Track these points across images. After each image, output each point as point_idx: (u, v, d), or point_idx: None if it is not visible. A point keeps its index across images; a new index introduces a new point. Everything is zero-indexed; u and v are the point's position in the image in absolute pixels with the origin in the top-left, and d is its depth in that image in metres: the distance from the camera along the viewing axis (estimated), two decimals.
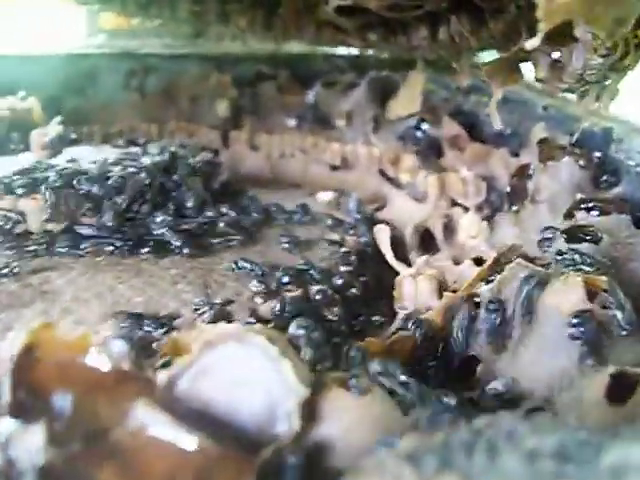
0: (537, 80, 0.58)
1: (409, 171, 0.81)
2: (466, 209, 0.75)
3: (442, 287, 0.55)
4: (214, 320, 0.49)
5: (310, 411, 0.34)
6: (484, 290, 0.48)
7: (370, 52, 1.01)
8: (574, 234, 0.55)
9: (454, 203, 0.77)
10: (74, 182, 0.60)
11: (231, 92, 0.94)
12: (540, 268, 0.49)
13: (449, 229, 0.75)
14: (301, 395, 0.33)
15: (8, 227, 0.60)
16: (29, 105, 0.84)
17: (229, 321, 0.50)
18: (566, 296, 0.45)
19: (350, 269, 0.60)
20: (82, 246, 0.59)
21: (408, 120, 0.87)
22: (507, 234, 0.70)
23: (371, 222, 0.74)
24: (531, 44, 0.49)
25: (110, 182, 0.61)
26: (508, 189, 0.73)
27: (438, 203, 0.76)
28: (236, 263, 0.58)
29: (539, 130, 0.73)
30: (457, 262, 0.68)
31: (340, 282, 0.57)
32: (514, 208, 0.71)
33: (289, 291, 0.54)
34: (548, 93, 0.81)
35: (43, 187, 0.60)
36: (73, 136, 0.75)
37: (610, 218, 0.58)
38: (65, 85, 0.94)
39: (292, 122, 0.92)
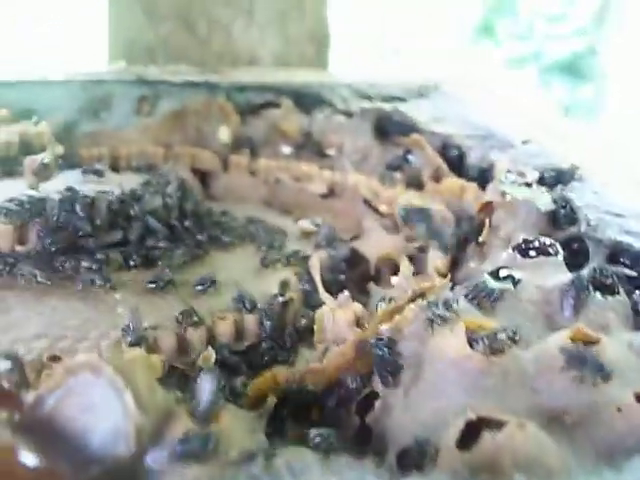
0: None
1: (388, 202, 0.83)
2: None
3: (359, 322, 0.58)
4: (132, 344, 0.53)
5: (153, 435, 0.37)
6: (383, 328, 0.50)
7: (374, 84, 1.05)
8: (495, 275, 0.56)
9: None
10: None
11: (234, 119, 0.98)
12: (443, 312, 0.50)
13: (417, 262, 0.77)
14: (138, 421, 0.37)
15: None
16: (40, 129, 0.91)
17: (148, 347, 0.53)
18: (449, 340, 0.47)
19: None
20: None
21: (397, 150, 0.89)
22: (470, 269, 0.72)
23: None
24: None
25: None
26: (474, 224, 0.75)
27: (408, 235, 0.79)
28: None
29: (502, 164, 0.75)
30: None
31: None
32: (478, 241, 0.72)
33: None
34: None
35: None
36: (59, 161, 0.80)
37: (540, 260, 0.59)
38: (80, 109, 1.00)
39: (287, 149, 0.95)
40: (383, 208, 0.83)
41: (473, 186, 0.79)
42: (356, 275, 0.77)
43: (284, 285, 0.64)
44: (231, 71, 1.07)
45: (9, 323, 0.58)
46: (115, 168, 0.95)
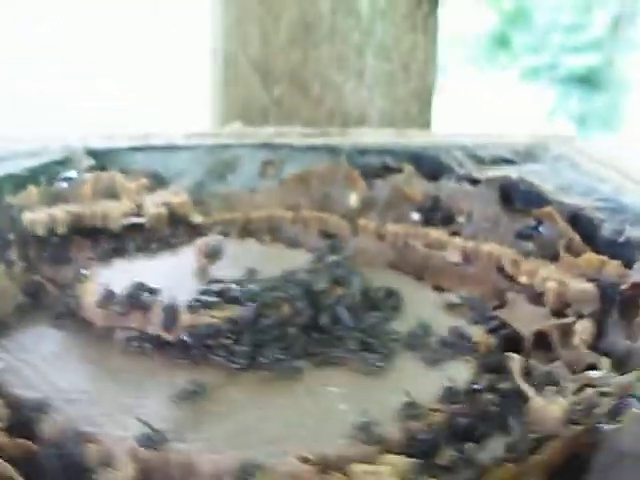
0: None
1: (528, 273, 0.88)
2: (581, 316, 0.82)
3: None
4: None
5: None
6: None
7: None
8: None
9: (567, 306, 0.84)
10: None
11: (360, 184, 1.02)
12: None
13: (565, 333, 0.82)
14: None
15: None
16: (181, 199, 0.95)
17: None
18: None
19: None
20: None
21: (526, 220, 0.94)
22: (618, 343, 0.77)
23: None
24: None
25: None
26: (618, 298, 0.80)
27: (555, 308, 0.83)
28: None
29: None
30: (573, 368, 0.76)
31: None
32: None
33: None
34: None
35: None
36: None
37: None
38: (207, 173, 1.05)
39: (416, 216, 0.99)
40: (523, 279, 0.88)
41: (616, 263, 0.84)
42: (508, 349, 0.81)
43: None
44: (347, 133, 1.11)
45: (240, 424, 0.62)
46: (246, 231, 1.00)
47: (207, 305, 0.70)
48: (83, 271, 0.80)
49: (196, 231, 0.96)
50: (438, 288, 0.93)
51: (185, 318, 0.69)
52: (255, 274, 0.77)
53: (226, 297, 0.72)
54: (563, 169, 1.02)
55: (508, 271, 0.90)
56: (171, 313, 0.69)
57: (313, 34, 1.17)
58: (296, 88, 1.18)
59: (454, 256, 0.94)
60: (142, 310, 0.71)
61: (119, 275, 0.80)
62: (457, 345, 0.74)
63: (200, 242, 0.81)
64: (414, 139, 1.11)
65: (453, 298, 0.87)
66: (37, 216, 0.87)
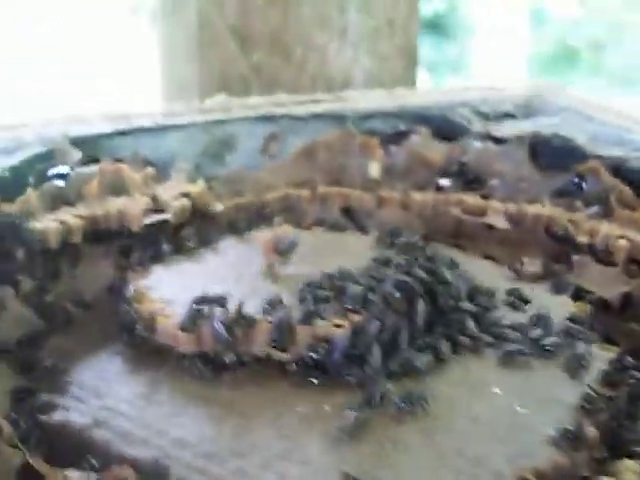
0: None
1: (589, 233, 0.83)
2: None
3: None
4: None
5: None
6: None
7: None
8: None
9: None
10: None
11: (378, 152, 0.93)
12: None
13: None
14: None
15: None
16: (200, 188, 0.82)
17: None
18: None
19: None
20: None
21: (564, 177, 0.90)
22: None
23: None
24: None
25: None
26: None
27: (628, 269, 0.80)
28: None
29: None
30: None
31: None
32: None
33: None
34: None
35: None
36: None
37: None
38: (203, 154, 0.92)
39: (446, 181, 0.92)
40: (584, 239, 0.84)
41: None
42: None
43: None
44: (341, 97, 1.01)
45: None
46: (262, 216, 0.89)
47: (319, 314, 0.60)
48: (131, 286, 0.67)
49: (215, 222, 0.84)
50: (488, 257, 0.87)
51: (303, 332, 0.59)
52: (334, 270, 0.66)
53: (334, 301, 0.61)
54: (578, 121, 0.98)
55: (564, 232, 0.85)
56: (284, 328, 0.58)
57: None
58: (277, 52, 1.06)
59: (499, 221, 0.88)
60: (246, 328, 0.59)
61: (174, 286, 0.67)
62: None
63: (268, 237, 0.70)
64: (412, 99, 1.03)
65: (524, 268, 0.81)
66: (47, 225, 0.72)
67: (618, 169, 0.88)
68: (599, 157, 0.89)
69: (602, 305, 0.77)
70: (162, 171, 0.87)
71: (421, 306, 0.61)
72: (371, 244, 0.78)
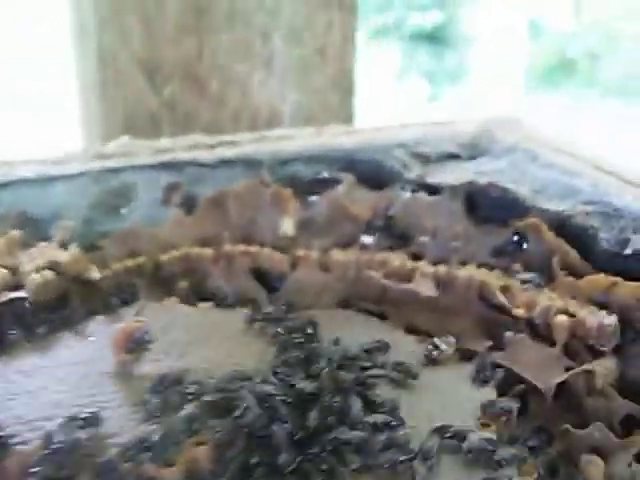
0: None
1: (525, 304, 0.72)
2: (600, 353, 0.68)
3: None
4: None
5: None
6: None
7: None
8: None
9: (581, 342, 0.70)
10: None
11: (292, 204, 0.82)
12: None
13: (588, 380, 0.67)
14: None
15: None
16: (74, 255, 0.71)
17: None
18: None
19: None
20: None
21: (503, 234, 0.78)
22: None
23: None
24: None
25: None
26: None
27: (569, 348, 0.68)
28: None
29: None
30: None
31: None
32: None
33: None
34: None
35: None
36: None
37: None
38: (95, 207, 0.81)
39: (367, 239, 0.81)
40: (520, 312, 0.72)
41: (634, 285, 0.69)
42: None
43: None
44: (262, 138, 0.90)
45: None
46: (157, 279, 0.79)
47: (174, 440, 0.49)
48: None
49: (94, 290, 0.73)
50: (410, 329, 0.75)
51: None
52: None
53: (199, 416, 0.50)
54: (524, 163, 0.87)
55: (497, 301, 0.74)
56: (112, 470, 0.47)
57: (208, 19, 0.94)
58: (191, 86, 0.95)
59: (426, 288, 0.76)
60: None
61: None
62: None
63: (117, 331, 0.59)
64: (342, 139, 0.91)
65: (442, 345, 0.70)
66: None
67: (562, 226, 0.77)
68: (542, 211, 0.78)
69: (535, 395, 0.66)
70: (43, 230, 0.77)
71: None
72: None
